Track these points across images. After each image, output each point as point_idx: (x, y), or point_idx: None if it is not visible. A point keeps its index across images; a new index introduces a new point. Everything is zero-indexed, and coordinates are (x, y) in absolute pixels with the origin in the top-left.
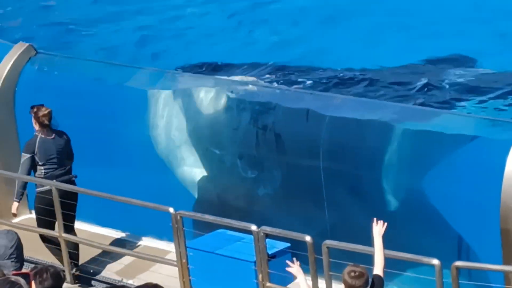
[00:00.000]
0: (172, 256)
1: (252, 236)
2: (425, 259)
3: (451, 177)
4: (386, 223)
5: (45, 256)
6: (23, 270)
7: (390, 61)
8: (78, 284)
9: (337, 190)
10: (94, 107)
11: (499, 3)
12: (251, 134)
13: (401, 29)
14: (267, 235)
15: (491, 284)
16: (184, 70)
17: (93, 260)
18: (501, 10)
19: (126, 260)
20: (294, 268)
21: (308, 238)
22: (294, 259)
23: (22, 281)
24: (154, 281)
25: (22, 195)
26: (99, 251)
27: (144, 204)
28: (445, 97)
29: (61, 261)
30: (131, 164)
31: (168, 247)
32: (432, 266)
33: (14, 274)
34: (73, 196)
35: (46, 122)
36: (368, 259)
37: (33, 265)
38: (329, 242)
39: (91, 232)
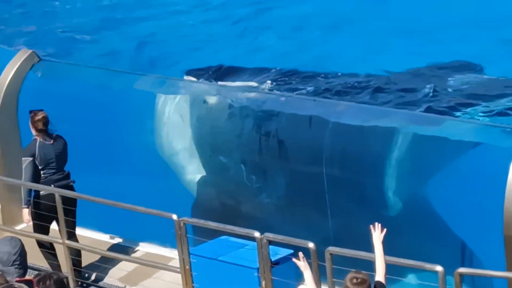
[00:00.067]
0: (175, 262)
1: (255, 243)
2: (428, 266)
3: (455, 184)
4: (385, 229)
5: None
6: (27, 277)
7: (394, 67)
8: None
9: (340, 196)
10: (97, 114)
11: (503, 9)
12: (255, 141)
13: (405, 35)
14: (270, 242)
15: None
16: (190, 74)
17: (95, 267)
18: (506, 16)
19: (129, 266)
20: (302, 263)
21: (311, 245)
22: (301, 254)
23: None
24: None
25: (29, 200)
26: (102, 257)
27: (147, 211)
28: (449, 103)
29: (53, 266)
30: (134, 170)
31: (171, 254)
32: (436, 272)
33: (17, 281)
34: (72, 202)
35: (41, 127)
36: (372, 266)
37: (36, 272)
38: (332, 249)
39: (93, 239)
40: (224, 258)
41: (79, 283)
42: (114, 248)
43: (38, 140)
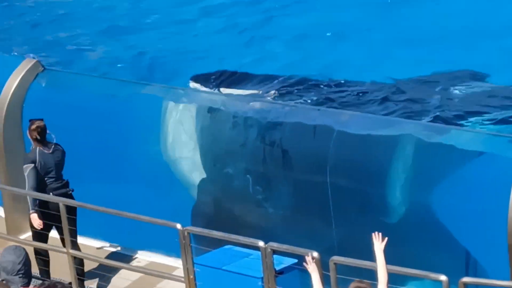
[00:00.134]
0: (180, 272)
1: (259, 252)
2: (433, 275)
3: (459, 193)
4: (386, 238)
5: (53, 272)
6: (31, 287)
7: (399, 76)
8: None
9: (344, 206)
10: (101, 123)
11: (508, 18)
12: (259, 150)
13: (410, 44)
14: (275, 251)
15: None
16: (195, 81)
17: (99, 276)
18: (510, 25)
19: (133, 276)
20: (311, 265)
21: (315, 254)
22: (309, 256)
23: None
24: None
25: (37, 205)
26: (105, 266)
27: (151, 220)
28: (454, 112)
29: (41, 271)
30: (138, 179)
31: (176, 263)
32: (440, 282)
33: None
34: (73, 210)
35: (36, 136)
36: (376, 275)
37: (40, 281)
38: (336, 258)
39: (97, 248)
40: (228, 268)
41: None
42: (117, 257)
43: (37, 148)
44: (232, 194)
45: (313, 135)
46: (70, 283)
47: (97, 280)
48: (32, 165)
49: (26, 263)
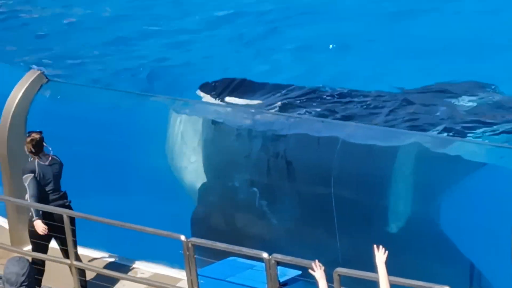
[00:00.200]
0: (184, 283)
1: (263, 264)
2: (437, 287)
3: (464, 205)
4: (387, 251)
5: (56, 283)
6: None
7: (406, 87)
8: None
9: (348, 217)
10: (105, 134)
11: None
12: (263, 162)
13: (416, 55)
14: (279, 263)
15: None
16: (202, 89)
17: None
18: None
19: (137, 287)
20: (318, 272)
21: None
22: (317, 262)
23: None
24: None
25: (39, 213)
26: (108, 278)
27: (155, 231)
28: (460, 124)
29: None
30: (141, 191)
31: (179, 275)
32: None
33: None
34: (72, 221)
35: (31, 149)
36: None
37: None
38: (340, 270)
39: (100, 259)
40: (232, 279)
41: None
42: (120, 268)
43: (36, 160)
44: (236, 205)
45: (317, 146)
46: None
47: None
48: (32, 174)
49: (30, 274)
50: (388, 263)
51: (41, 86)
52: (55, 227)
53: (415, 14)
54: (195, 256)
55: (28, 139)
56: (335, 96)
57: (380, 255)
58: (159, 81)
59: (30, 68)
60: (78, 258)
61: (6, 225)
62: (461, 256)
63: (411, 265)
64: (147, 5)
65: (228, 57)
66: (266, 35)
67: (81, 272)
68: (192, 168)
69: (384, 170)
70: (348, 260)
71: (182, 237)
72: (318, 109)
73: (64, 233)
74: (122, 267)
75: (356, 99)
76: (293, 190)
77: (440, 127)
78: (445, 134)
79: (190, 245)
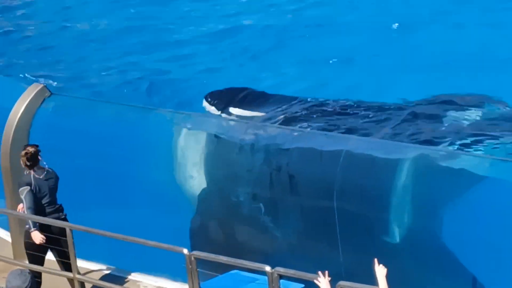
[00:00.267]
0: None
1: (266, 277)
2: None
3: (467, 219)
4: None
5: None
6: None
7: (408, 101)
8: None
9: (351, 231)
10: (108, 148)
11: None
12: (266, 175)
13: (421, 68)
14: (281, 276)
15: None
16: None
17: None
18: None
19: None
20: (323, 281)
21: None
22: (325, 273)
23: None
24: None
25: (37, 224)
26: None
27: (158, 245)
28: (464, 137)
29: None
30: (143, 204)
31: None
32: None
33: None
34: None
35: (26, 162)
36: None
37: None
38: (343, 283)
39: (103, 273)
40: None
41: None
42: (123, 282)
43: (32, 174)
44: (239, 218)
45: (320, 160)
46: None
47: None
48: (28, 187)
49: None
50: (391, 276)
51: (44, 99)
52: (52, 239)
53: (419, 28)
54: (198, 269)
55: (23, 152)
56: (339, 109)
57: (380, 269)
58: (162, 95)
59: (33, 82)
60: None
61: (9, 238)
62: (464, 270)
63: (414, 278)
64: (149, 17)
65: (231, 70)
66: (269, 49)
67: (81, 286)
68: (194, 182)
69: (386, 184)
70: (351, 274)
71: (185, 251)
72: (322, 122)
73: (60, 245)
74: (125, 280)
75: (360, 112)
76: (296, 204)
77: (444, 140)
78: (450, 147)
79: (192, 258)
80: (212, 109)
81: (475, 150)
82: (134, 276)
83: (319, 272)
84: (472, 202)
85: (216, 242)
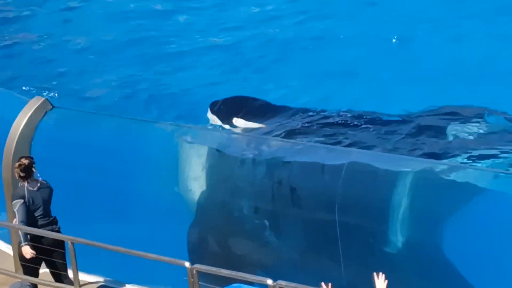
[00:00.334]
0: None
1: None
2: None
3: (469, 231)
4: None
5: None
6: None
7: (409, 114)
8: None
9: (353, 244)
10: (109, 161)
11: None
12: (267, 188)
13: (419, 82)
14: None
15: None
16: (212, 108)
17: None
18: None
19: None
20: None
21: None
22: (329, 285)
23: None
24: None
25: (27, 238)
26: None
27: (159, 258)
28: (465, 150)
29: None
30: (145, 217)
31: None
32: None
33: None
34: (61, 244)
35: (19, 173)
36: None
37: None
38: None
39: (105, 285)
40: None
41: None
42: None
43: (25, 186)
44: (240, 231)
45: (322, 173)
46: None
47: None
48: (22, 200)
49: None
50: None
51: (46, 112)
52: (46, 251)
53: (419, 40)
54: (200, 282)
55: (17, 164)
56: (342, 121)
57: (381, 283)
58: (163, 108)
59: (35, 95)
60: (69, 281)
61: (10, 251)
62: (466, 283)
63: None
64: (150, 29)
65: (234, 83)
66: (272, 61)
67: None
68: (196, 195)
69: (388, 197)
70: (353, 287)
71: (187, 264)
72: (325, 135)
73: (54, 257)
74: None
75: (362, 125)
76: (298, 217)
77: (446, 153)
78: (452, 160)
79: (194, 271)
80: (216, 120)
81: (477, 163)
82: None
83: (322, 284)
84: (474, 215)
85: (217, 255)
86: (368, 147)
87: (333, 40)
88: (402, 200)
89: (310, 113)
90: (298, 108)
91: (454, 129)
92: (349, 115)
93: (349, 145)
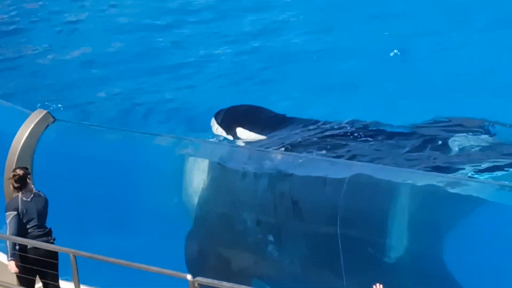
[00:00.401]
0: None
1: None
2: None
3: (471, 244)
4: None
5: None
6: None
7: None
8: None
9: (355, 256)
10: (112, 174)
11: None
12: (269, 201)
13: (422, 94)
14: None
15: None
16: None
17: None
18: None
19: None
20: None
21: None
22: None
23: None
24: None
25: (15, 253)
26: None
27: (160, 270)
28: (467, 162)
29: None
30: (147, 230)
31: None
32: None
33: None
34: (54, 255)
35: (13, 184)
36: None
37: None
38: None
39: None
40: None
41: None
42: None
43: (20, 197)
44: (241, 244)
45: (323, 186)
46: None
47: None
48: (15, 212)
49: None
50: None
51: (48, 125)
52: (39, 262)
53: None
54: None
55: (11, 175)
56: (344, 133)
57: None
58: (165, 120)
59: (37, 108)
60: None
61: None
62: None
63: None
64: (153, 42)
65: (237, 95)
66: (274, 73)
67: None
68: (197, 208)
69: (390, 210)
70: None
71: (189, 277)
72: (327, 147)
73: (48, 267)
74: None
75: (364, 137)
76: (299, 230)
77: (449, 166)
78: (454, 173)
79: (196, 284)
80: (219, 131)
81: (480, 176)
82: None
83: None
84: (477, 228)
85: (218, 268)
86: (370, 160)
87: (335, 52)
88: (404, 213)
89: (313, 125)
90: (302, 119)
91: (456, 141)
92: (351, 127)
93: (351, 158)
